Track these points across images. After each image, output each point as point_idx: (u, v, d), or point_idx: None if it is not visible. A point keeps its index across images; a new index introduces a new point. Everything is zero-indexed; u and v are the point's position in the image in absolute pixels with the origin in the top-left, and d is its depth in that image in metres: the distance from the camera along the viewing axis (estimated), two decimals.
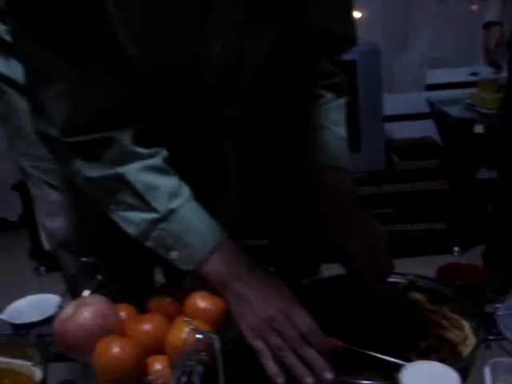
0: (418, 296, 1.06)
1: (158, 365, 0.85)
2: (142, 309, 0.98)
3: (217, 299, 0.93)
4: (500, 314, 1.06)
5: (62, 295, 1.12)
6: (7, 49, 1.08)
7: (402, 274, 1.09)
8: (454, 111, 2.97)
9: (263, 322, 0.87)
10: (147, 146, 0.94)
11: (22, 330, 1.08)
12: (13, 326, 1.10)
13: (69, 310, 0.89)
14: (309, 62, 1.13)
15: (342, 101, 1.16)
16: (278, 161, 1.50)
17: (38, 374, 0.94)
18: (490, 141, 2.93)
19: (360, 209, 1.07)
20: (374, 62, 2.68)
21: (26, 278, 3.11)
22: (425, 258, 2.75)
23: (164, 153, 0.95)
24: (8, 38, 1.06)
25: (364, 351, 0.93)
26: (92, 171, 0.93)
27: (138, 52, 0.91)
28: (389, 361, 0.91)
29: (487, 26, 2.63)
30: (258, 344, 0.87)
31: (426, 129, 3.30)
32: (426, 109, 3.28)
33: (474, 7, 3.19)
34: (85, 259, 0.99)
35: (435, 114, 3.25)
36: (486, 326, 1.03)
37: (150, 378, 0.82)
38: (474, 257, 2.71)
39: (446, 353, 0.96)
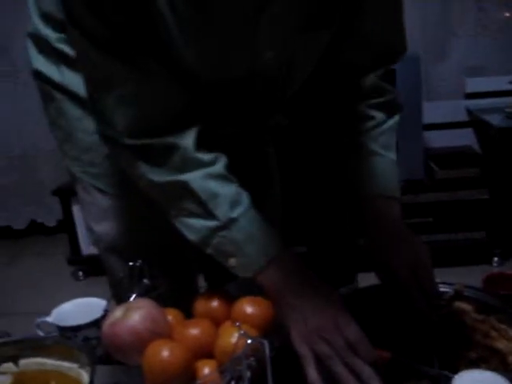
0: (465, 306, 1.05)
1: (206, 369, 0.85)
2: (187, 313, 0.98)
3: (264, 305, 0.93)
4: None
5: (108, 299, 1.13)
6: (58, 57, 1.10)
7: (448, 284, 1.08)
8: (494, 120, 2.94)
9: (312, 330, 0.88)
10: (205, 152, 0.95)
11: (68, 332, 1.09)
12: (59, 329, 1.10)
13: (118, 313, 0.90)
14: (358, 73, 1.12)
15: (394, 121, 1.15)
16: (320, 170, 1.50)
17: (84, 376, 0.95)
18: None
19: (407, 231, 1.08)
20: (413, 71, 2.66)
21: (64, 282, 3.14)
22: (464, 269, 2.72)
23: (224, 159, 0.97)
24: (59, 46, 1.09)
25: (412, 362, 0.92)
26: (155, 175, 0.94)
27: (194, 61, 0.92)
28: (438, 371, 0.90)
29: None
30: (304, 350, 0.88)
31: (465, 137, 3.27)
32: (464, 117, 3.25)
33: None
34: (132, 263, 1.00)
35: (474, 122, 3.21)
36: None
37: (199, 382, 0.82)
38: None
39: (495, 363, 0.95)
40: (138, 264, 0.99)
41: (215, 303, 0.96)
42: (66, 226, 3.11)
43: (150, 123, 0.93)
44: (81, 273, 3.19)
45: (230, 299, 0.97)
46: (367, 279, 1.17)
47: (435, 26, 3.14)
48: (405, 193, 2.86)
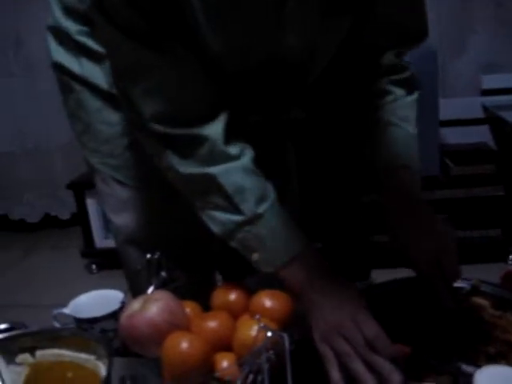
0: (482, 301, 1.05)
1: (225, 362, 0.85)
2: (204, 306, 0.98)
3: (282, 298, 0.93)
4: None
5: (125, 291, 1.13)
6: (78, 49, 1.10)
7: (465, 279, 1.08)
8: (510, 117, 2.91)
9: (332, 328, 0.88)
10: (233, 143, 0.95)
11: (84, 324, 1.09)
12: (76, 320, 1.10)
13: (136, 305, 0.90)
14: (378, 55, 1.12)
15: (413, 97, 1.14)
16: (338, 164, 1.49)
17: (101, 368, 0.95)
18: None
19: (428, 210, 1.07)
20: (430, 66, 2.64)
21: (77, 275, 3.15)
22: (479, 266, 2.69)
23: (250, 151, 0.96)
24: (79, 38, 1.09)
25: (431, 357, 0.92)
26: (182, 166, 0.94)
27: (220, 48, 0.92)
28: (457, 366, 0.89)
29: None
30: (325, 350, 0.88)
31: (481, 134, 3.25)
32: (480, 114, 3.23)
33: None
34: (150, 255, 1.00)
35: (490, 119, 3.19)
36: None
37: (218, 374, 0.82)
38: None
39: None
40: (156, 256, 0.99)
41: (233, 296, 0.96)
42: (80, 219, 3.13)
43: (177, 112, 0.93)
44: (94, 266, 3.20)
45: (247, 292, 0.97)
46: (382, 276, 1.17)
47: (453, 22, 3.13)
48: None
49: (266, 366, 0.79)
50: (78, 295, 1.17)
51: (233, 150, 0.94)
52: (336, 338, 0.87)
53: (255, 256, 0.94)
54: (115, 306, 1.09)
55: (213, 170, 0.93)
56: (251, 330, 0.83)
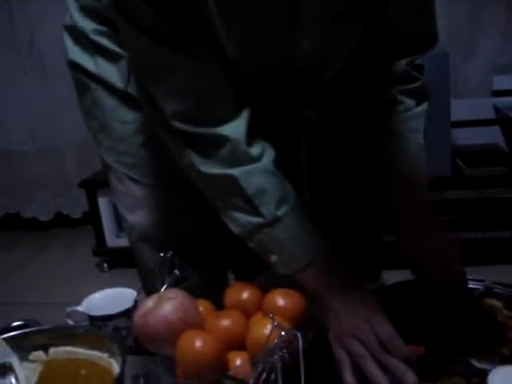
0: (495, 302, 1.05)
1: (238, 360, 0.86)
2: (217, 305, 0.99)
3: (295, 297, 0.93)
4: None
5: (139, 290, 1.14)
6: (94, 48, 1.11)
7: (478, 280, 1.08)
8: None
9: (346, 331, 0.89)
10: (254, 143, 0.95)
11: (98, 322, 1.10)
12: (89, 318, 1.11)
13: (149, 303, 0.91)
14: (389, 62, 1.12)
15: (423, 108, 1.15)
16: (349, 166, 1.49)
17: (114, 365, 0.96)
18: None
19: (434, 220, 1.08)
20: (442, 68, 2.63)
21: (88, 274, 3.16)
22: (491, 267, 2.69)
23: (271, 151, 0.97)
24: (95, 38, 1.10)
25: (445, 358, 0.92)
26: (204, 166, 0.95)
27: (234, 53, 0.93)
28: (471, 367, 0.89)
29: None
30: (341, 354, 0.89)
31: (492, 135, 3.24)
32: (492, 115, 3.22)
33: None
34: (163, 254, 1.00)
35: (502, 120, 3.18)
36: None
37: (231, 373, 0.82)
38: None
39: None
40: (169, 255, 0.99)
41: (246, 295, 0.96)
42: (92, 218, 3.13)
43: (199, 111, 0.94)
44: (105, 264, 3.21)
45: (260, 291, 0.97)
46: (392, 276, 1.17)
47: (464, 24, 3.12)
48: (431, 190, 2.84)
49: (279, 365, 0.79)
50: (89, 293, 1.18)
51: (254, 150, 0.95)
52: (350, 341, 0.88)
53: (273, 258, 0.95)
54: (128, 304, 1.10)
55: (234, 171, 0.93)
56: (265, 328, 0.83)
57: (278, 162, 0.98)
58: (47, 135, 3.61)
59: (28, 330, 1.03)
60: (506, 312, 1.03)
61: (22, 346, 0.99)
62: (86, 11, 1.10)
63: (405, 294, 1.09)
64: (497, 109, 3.18)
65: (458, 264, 1.04)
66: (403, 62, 1.12)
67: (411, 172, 1.11)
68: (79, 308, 1.13)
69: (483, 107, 3.21)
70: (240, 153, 0.93)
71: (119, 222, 3.02)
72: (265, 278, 1.03)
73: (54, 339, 1.01)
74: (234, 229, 0.97)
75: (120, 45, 1.08)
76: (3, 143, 3.65)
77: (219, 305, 0.98)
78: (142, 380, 0.98)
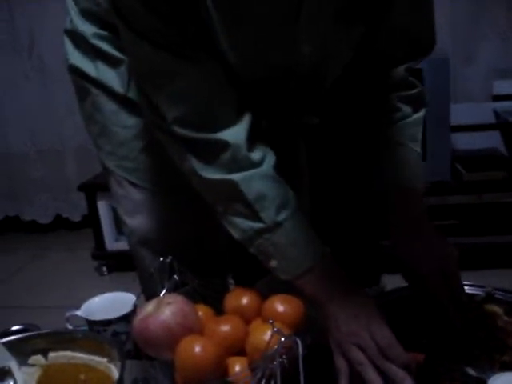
0: (496, 308, 1.05)
1: (237, 366, 0.85)
2: (216, 310, 0.99)
3: (295, 303, 0.93)
4: None
5: (138, 294, 1.13)
6: (94, 52, 1.11)
7: (479, 286, 1.08)
8: None
9: (346, 337, 0.89)
10: (255, 148, 0.95)
11: (97, 326, 1.10)
12: (89, 323, 1.11)
13: (149, 308, 0.91)
14: (388, 68, 1.12)
15: (420, 115, 1.15)
16: (348, 171, 1.49)
17: (113, 370, 0.95)
18: None
19: (432, 228, 1.08)
20: (442, 72, 2.63)
21: (88, 277, 3.16)
22: (490, 272, 2.69)
23: (272, 156, 0.97)
24: (95, 42, 1.10)
25: (445, 365, 0.92)
26: (205, 172, 0.95)
27: (234, 56, 0.93)
28: (471, 374, 0.89)
29: None
30: (339, 361, 0.90)
31: (492, 140, 3.24)
32: (491, 119, 3.22)
33: None
34: (162, 259, 1.00)
35: (501, 124, 3.18)
36: None
37: (231, 378, 0.82)
38: None
39: None
40: (168, 260, 0.99)
41: (245, 300, 0.96)
42: (91, 221, 3.13)
43: (200, 117, 0.94)
44: (105, 268, 3.20)
45: (259, 297, 0.97)
46: (392, 281, 1.17)
47: (465, 28, 3.12)
48: (431, 194, 2.85)
49: (278, 371, 0.79)
50: (88, 297, 1.17)
51: (255, 155, 0.94)
52: (350, 347, 0.88)
53: (273, 263, 0.95)
54: (128, 309, 1.09)
55: (234, 176, 0.93)
56: (264, 334, 0.83)
57: (278, 166, 0.98)
58: (47, 138, 3.61)
59: (27, 334, 1.03)
60: (506, 318, 1.03)
61: (20, 351, 0.98)
62: (87, 15, 1.10)
63: (405, 299, 1.09)
64: (497, 113, 3.18)
65: (455, 272, 1.04)
66: (402, 68, 1.12)
67: (409, 180, 1.11)
68: (78, 312, 1.13)
69: (483, 112, 3.21)
70: (241, 158, 0.93)
71: (118, 226, 3.02)
72: (264, 284, 1.03)
73: (53, 344, 1.00)
74: (235, 234, 0.97)
75: (120, 49, 1.08)
76: (3, 146, 3.65)
77: (218, 310, 0.98)
78: None
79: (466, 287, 1.09)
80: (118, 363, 0.93)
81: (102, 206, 3.06)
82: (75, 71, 1.15)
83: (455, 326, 1.01)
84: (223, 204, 0.97)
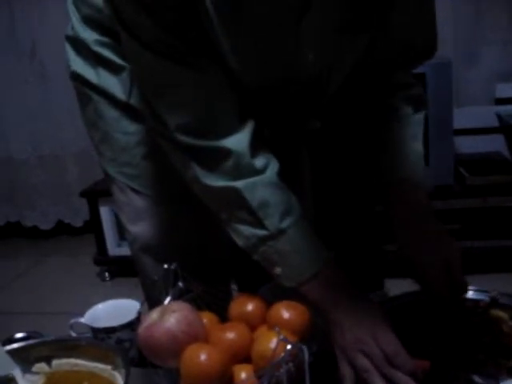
0: (501, 313, 1.04)
1: (243, 373, 0.85)
2: (220, 317, 0.98)
3: (300, 310, 0.92)
4: None
5: (142, 301, 1.13)
6: (96, 59, 1.11)
7: (484, 291, 1.08)
8: None
9: (351, 344, 0.89)
10: (258, 155, 0.95)
11: (101, 334, 1.09)
12: (92, 330, 1.10)
13: (153, 315, 0.90)
14: (389, 71, 1.12)
15: (420, 116, 1.15)
16: (351, 175, 1.49)
17: (117, 378, 0.95)
18: None
19: (436, 225, 1.07)
20: (444, 76, 2.63)
21: (90, 283, 3.16)
22: (494, 276, 2.68)
23: (276, 163, 0.97)
24: (97, 49, 1.10)
25: (451, 371, 0.91)
26: (208, 180, 0.95)
27: (236, 63, 0.93)
28: (477, 380, 0.89)
29: None
30: (345, 368, 0.89)
31: (495, 143, 3.24)
32: (495, 123, 3.22)
33: None
34: (166, 266, 1.00)
35: (504, 128, 3.18)
36: None
37: None
38: None
39: None
40: (172, 267, 0.99)
41: (250, 307, 0.96)
42: (93, 226, 3.13)
43: (203, 125, 0.93)
44: (107, 273, 3.20)
45: (264, 303, 0.96)
46: (396, 285, 1.17)
47: (467, 32, 3.12)
48: (434, 198, 2.84)
49: (285, 379, 0.79)
50: (90, 303, 1.16)
51: (258, 162, 0.94)
52: (355, 354, 0.88)
53: (277, 270, 0.95)
54: (132, 316, 1.09)
55: (238, 183, 0.93)
56: (270, 342, 0.83)
57: (281, 173, 0.97)
58: (48, 143, 3.62)
59: (31, 341, 1.03)
60: (511, 323, 1.02)
61: (24, 358, 0.98)
62: (88, 22, 1.10)
63: (410, 304, 1.08)
64: (500, 117, 3.18)
65: (459, 270, 1.03)
66: (402, 70, 1.12)
67: (411, 178, 1.10)
68: (82, 320, 1.12)
69: (486, 115, 3.21)
70: (244, 165, 0.93)
71: (120, 231, 3.02)
72: (268, 290, 1.03)
73: (56, 351, 1.00)
74: (238, 241, 0.97)
75: (122, 56, 1.08)
76: (4, 151, 3.66)
77: (222, 317, 0.98)
78: None
79: (470, 292, 1.09)
80: (123, 370, 0.93)
81: (104, 212, 3.06)
82: (77, 78, 1.15)
83: (457, 330, 1.01)
84: (227, 211, 0.96)
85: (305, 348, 0.79)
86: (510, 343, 0.98)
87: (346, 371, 0.88)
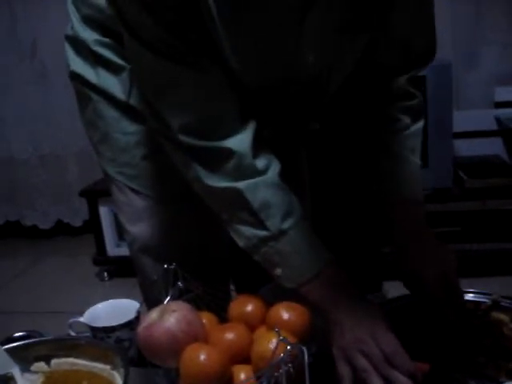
0: (502, 316, 1.04)
1: (242, 374, 0.85)
2: (220, 317, 0.98)
3: (300, 311, 0.92)
4: None
5: (141, 301, 1.13)
6: (96, 59, 1.11)
7: (485, 294, 1.08)
8: None
9: (351, 344, 0.89)
10: (260, 156, 0.95)
11: (100, 333, 1.09)
12: (92, 329, 1.10)
13: (153, 315, 0.90)
14: (389, 75, 1.12)
15: (419, 126, 1.15)
16: (349, 178, 1.50)
17: (116, 377, 0.95)
18: None
19: (432, 237, 1.09)
20: (444, 79, 2.63)
21: (88, 283, 3.16)
22: (493, 279, 2.69)
23: (277, 163, 0.97)
24: (97, 48, 1.10)
25: (451, 373, 0.91)
26: (210, 180, 0.95)
27: (237, 64, 0.93)
28: (477, 382, 0.89)
29: None
30: (343, 368, 0.89)
31: (494, 146, 3.24)
32: (494, 126, 3.22)
33: None
34: (166, 266, 1.00)
35: (503, 131, 3.18)
36: None
37: None
38: None
39: None
40: (172, 267, 0.99)
41: (250, 308, 0.96)
42: (92, 226, 3.13)
43: (205, 125, 0.93)
44: (106, 273, 3.20)
45: (264, 304, 0.96)
46: (394, 287, 1.17)
47: (467, 35, 3.12)
48: (433, 201, 2.84)
49: (284, 379, 0.79)
50: (89, 302, 1.16)
51: (260, 163, 0.94)
52: (354, 354, 0.88)
53: (278, 271, 0.95)
54: (131, 316, 1.09)
55: (239, 184, 0.93)
56: (270, 342, 0.83)
57: (281, 173, 0.98)
58: (48, 143, 3.62)
59: (30, 340, 1.03)
60: None
61: (23, 357, 0.98)
62: (88, 22, 1.10)
63: (410, 306, 1.08)
64: (499, 120, 3.18)
65: (455, 280, 1.04)
66: (403, 79, 1.12)
67: (410, 193, 1.11)
68: (81, 319, 1.12)
69: (485, 118, 3.21)
70: (245, 166, 0.93)
71: (120, 231, 3.02)
72: (268, 290, 1.03)
73: (55, 350, 1.00)
74: (239, 242, 0.97)
75: (122, 56, 1.08)
76: (5, 151, 3.66)
77: (222, 317, 0.98)
78: None
79: (471, 295, 1.09)
80: (122, 370, 0.93)
81: (104, 212, 3.06)
82: (76, 77, 1.14)
83: (458, 332, 1.01)
84: (228, 212, 0.96)
85: (304, 349, 0.79)
86: (510, 346, 0.99)
87: (345, 371, 0.88)
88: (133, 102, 1.10)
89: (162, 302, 0.96)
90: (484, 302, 1.07)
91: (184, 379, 0.83)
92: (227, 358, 0.85)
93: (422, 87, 2.59)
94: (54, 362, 0.99)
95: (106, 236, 3.09)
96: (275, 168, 0.96)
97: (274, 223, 0.93)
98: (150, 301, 1.14)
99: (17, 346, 1.00)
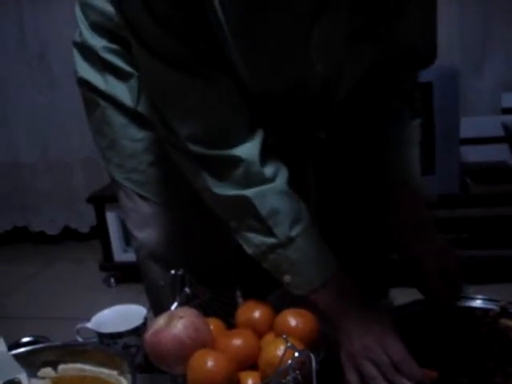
0: (510, 323, 1.04)
1: (250, 380, 0.85)
2: (227, 324, 0.98)
3: (307, 317, 0.92)
4: None
5: (148, 307, 1.13)
6: (104, 66, 1.11)
7: (493, 300, 1.08)
8: None
9: (359, 351, 0.89)
10: (268, 163, 0.95)
11: (107, 339, 1.09)
12: (99, 335, 1.10)
13: (161, 321, 0.90)
14: (392, 75, 1.12)
15: (417, 122, 1.16)
16: (356, 184, 1.50)
17: (123, 383, 0.95)
18: None
19: (435, 229, 1.09)
20: (451, 85, 2.62)
21: (95, 288, 3.15)
22: (500, 286, 2.68)
23: (285, 171, 0.97)
24: (105, 55, 1.10)
25: (459, 381, 0.91)
26: (218, 188, 0.95)
27: (247, 74, 0.93)
28: None
29: None
30: (352, 377, 0.89)
31: (501, 153, 3.23)
32: (500, 133, 3.21)
33: None
34: (173, 272, 1.00)
35: (510, 138, 3.17)
36: None
37: None
38: None
39: None
40: (179, 273, 0.99)
41: (257, 314, 0.96)
42: (100, 232, 3.13)
43: (213, 134, 0.94)
44: (112, 279, 3.20)
45: (272, 310, 0.96)
46: (401, 294, 1.17)
47: (474, 41, 3.11)
48: (440, 207, 2.83)
49: None
50: (96, 308, 1.17)
51: (268, 171, 0.94)
52: (362, 361, 0.88)
53: (287, 278, 0.95)
54: (138, 322, 1.09)
55: (248, 192, 0.93)
56: (278, 349, 0.83)
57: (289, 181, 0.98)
58: (56, 149, 3.63)
59: (37, 346, 1.03)
60: None
61: (30, 363, 0.98)
62: (96, 29, 1.10)
63: (419, 313, 1.08)
64: (505, 126, 3.17)
65: (459, 279, 1.06)
66: (404, 78, 1.14)
67: (412, 178, 1.12)
68: (88, 325, 1.13)
69: (492, 125, 3.20)
70: (254, 174, 0.93)
71: (127, 237, 3.02)
72: (276, 297, 1.03)
73: (63, 356, 1.00)
74: (248, 249, 0.97)
75: (130, 63, 1.09)
76: (12, 157, 3.67)
77: (229, 323, 0.98)
78: None
79: (479, 301, 1.09)
80: (129, 376, 0.93)
81: (111, 218, 3.06)
82: (84, 84, 1.15)
83: (466, 339, 1.01)
84: (237, 219, 0.97)
85: (312, 356, 0.79)
86: None
87: (353, 379, 0.88)
88: (141, 108, 1.10)
89: (169, 308, 0.96)
90: (492, 309, 1.06)
91: None
92: (234, 365, 0.85)
93: (430, 94, 2.59)
94: (61, 367, 1.00)
95: (112, 242, 3.09)
96: (283, 176, 0.96)
97: (282, 230, 0.93)
98: (157, 307, 1.14)
99: (24, 351, 1.00)
